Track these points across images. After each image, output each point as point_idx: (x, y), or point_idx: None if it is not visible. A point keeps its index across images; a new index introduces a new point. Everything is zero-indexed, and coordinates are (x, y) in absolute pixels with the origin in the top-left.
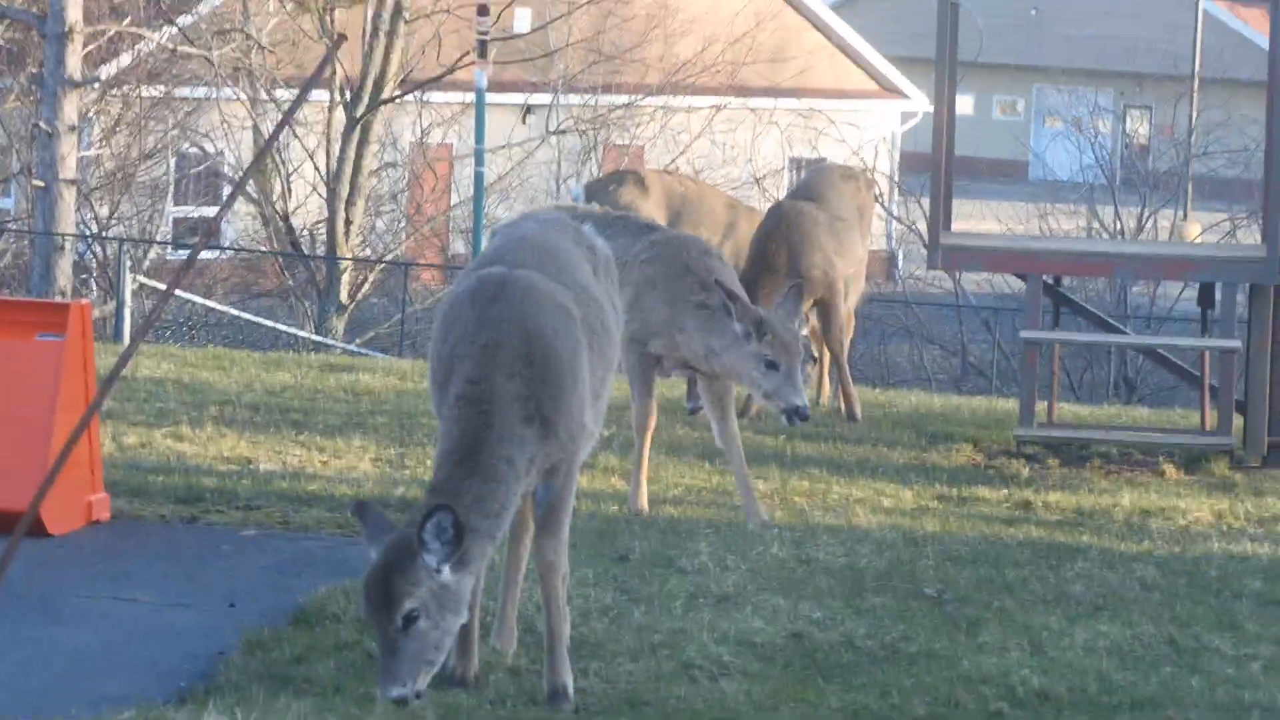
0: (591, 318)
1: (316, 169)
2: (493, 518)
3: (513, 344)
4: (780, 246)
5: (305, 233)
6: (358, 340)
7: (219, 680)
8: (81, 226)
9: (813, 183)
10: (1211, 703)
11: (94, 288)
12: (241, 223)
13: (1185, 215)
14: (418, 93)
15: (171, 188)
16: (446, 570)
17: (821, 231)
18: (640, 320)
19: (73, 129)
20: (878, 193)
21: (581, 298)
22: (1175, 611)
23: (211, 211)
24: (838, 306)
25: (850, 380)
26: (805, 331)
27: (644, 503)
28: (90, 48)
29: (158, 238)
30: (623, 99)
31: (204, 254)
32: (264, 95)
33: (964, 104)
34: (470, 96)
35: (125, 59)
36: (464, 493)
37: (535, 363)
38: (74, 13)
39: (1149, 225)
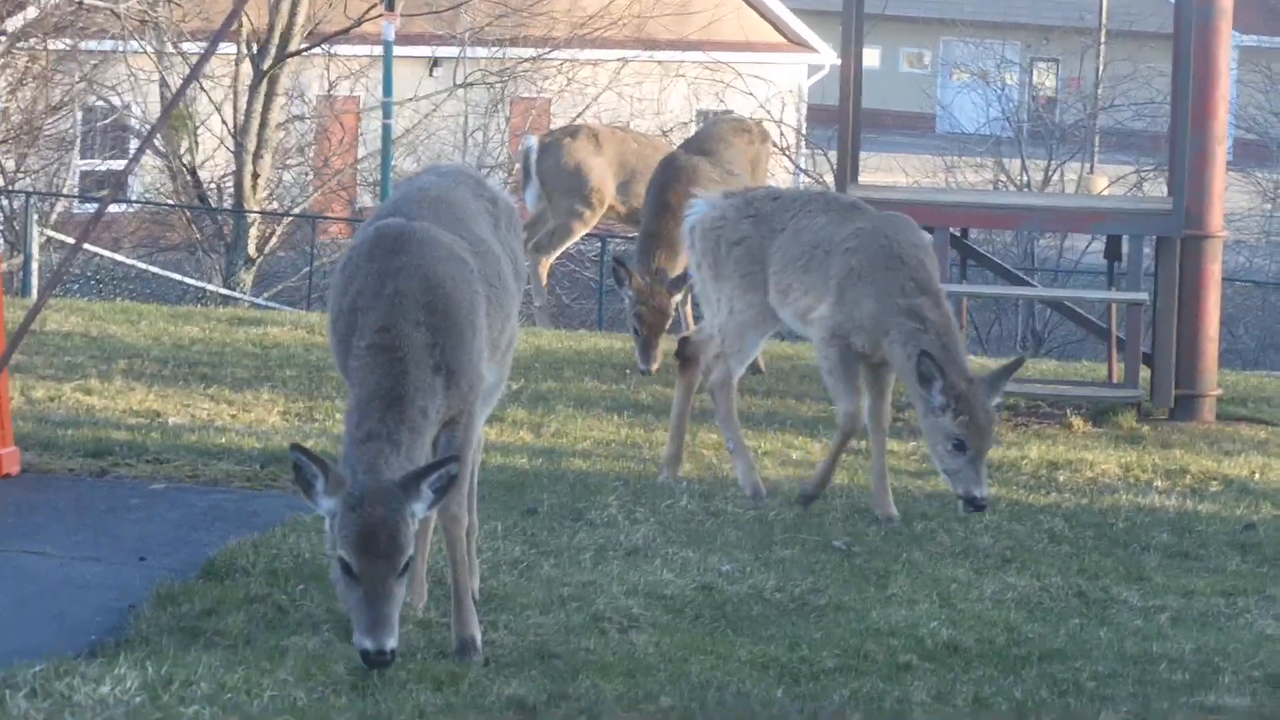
0: (489, 270)
1: (224, 122)
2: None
3: (415, 294)
4: (682, 198)
5: (213, 186)
6: (266, 294)
7: (129, 633)
8: None
9: (706, 136)
10: (1120, 654)
11: (1, 242)
12: (149, 176)
13: (1092, 168)
14: (325, 45)
15: (78, 141)
16: (419, 520)
17: (713, 187)
18: (844, 313)
19: None
20: (781, 145)
21: (480, 249)
22: (1083, 563)
23: (119, 165)
24: None
25: None
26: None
27: (817, 493)
28: None
29: (65, 191)
30: (530, 52)
31: (111, 208)
32: (171, 48)
33: (870, 57)
34: (377, 49)
35: (31, 11)
36: (400, 441)
37: (437, 312)
38: None
39: (1056, 178)
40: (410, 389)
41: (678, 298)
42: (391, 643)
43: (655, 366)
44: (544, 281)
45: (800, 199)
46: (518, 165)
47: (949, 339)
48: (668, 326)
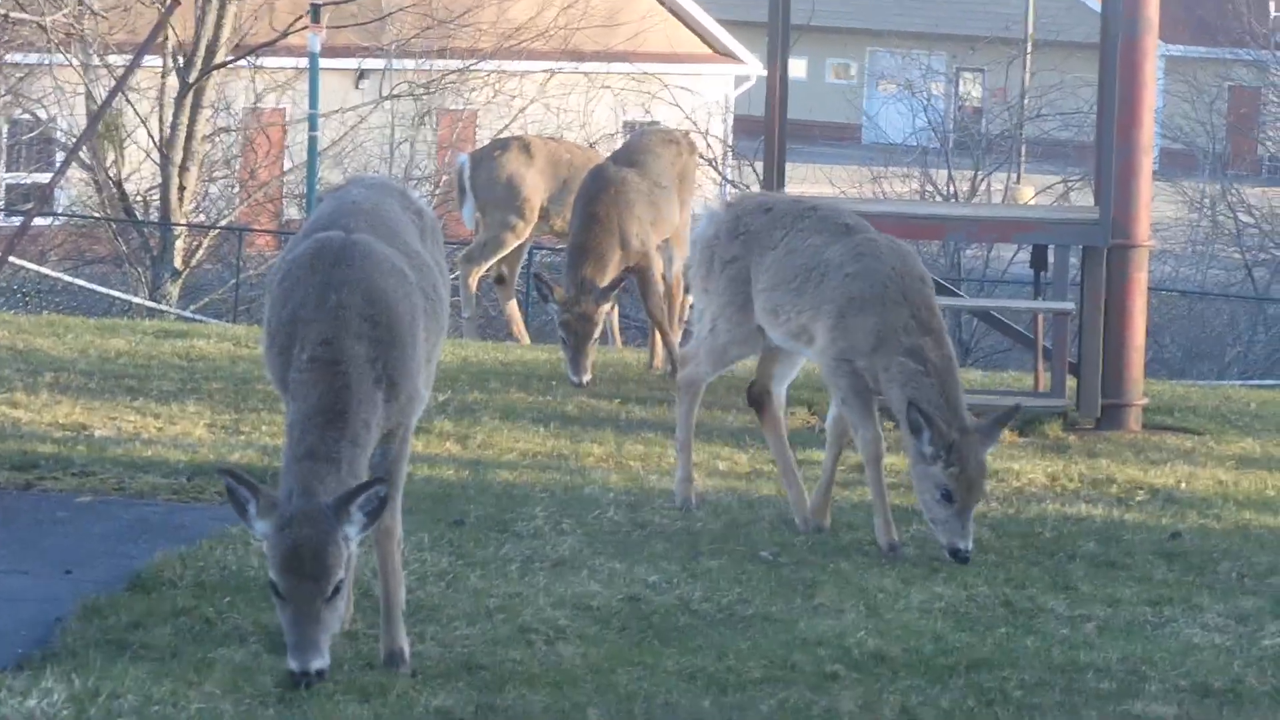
0: (425, 283)
1: (150, 135)
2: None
3: (359, 306)
4: (609, 209)
5: (139, 199)
6: (192, 306)
7: (56, 646)
8: None
9: (634, 147)
10: (1047, 663)
11: None
12: (75, 189)
13: (1018, 178)
14: (251, 57)
15: (3, 154)
16: (354, 542)
17: (641, 200)
18: (847, 340)
19: None
20: (708, 156)
21: (415, 262)
22: (1010, 573)
23: (44, 178)
24: (654, 274)
25: (675, 344)
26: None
27: (894, 535)
28: None
29: None
30: (456, 64)
31: (37, 221)
32: (97, 61)
33: (797, 67)
34: (303, 61)
35: None
36: (342, 458)
37: (380, 325)
38: None
39: (982, 188)
40: (353, 403)
41: (605, 308)
42: (317, 664)
43: (587, 379)
44: (472, 293)
45: (792, 213)
46: (445, 178)
47: (948, 382)
48: (596, 336)
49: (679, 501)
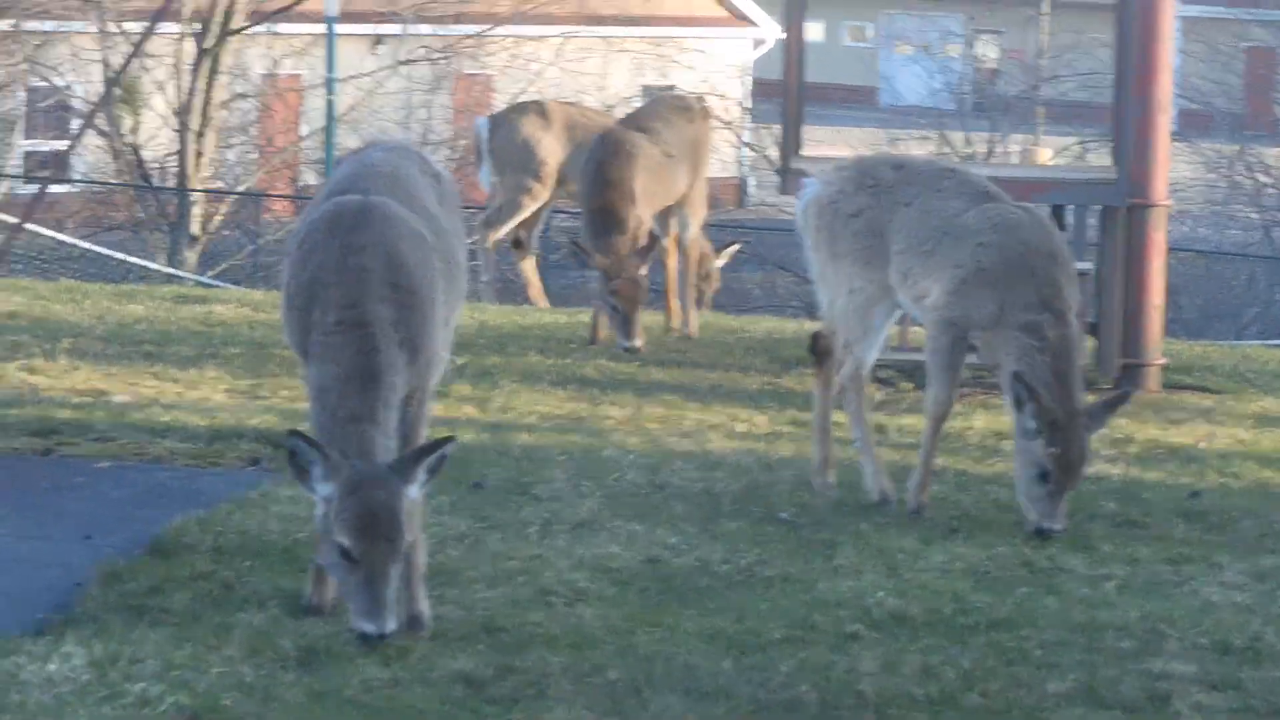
0: (444, 247)
1: (167, 102)
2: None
3: (380, 270)
4: (623, 172)
5: (156, 165)
6: (210, 272)
7: (76, 611)
8: None
9: (646, 113)
10: (1066, 622)
11: None
12: (92, 156)
13: (1036, 139)
14: (267, 23)
15: (22, 121)
16: (418, 502)
17: (647, 168)
18: (963, 308)
19: None
20: (725, 119)
21: (434, 226)
22: (1028, 532)
23: (62, 145)
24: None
25: (689, 304)
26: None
27: (925, 498)
28: None
29: (8, 171)
30: (473, 28)
31: (55, 188)
32: (113, 27)
33: (814, 30)
34: (320, 27)
35: None
36: (380, 420)
37: (401, 288)
38: None
39: (999, 150)
40: (383, 366)
41: (644, 269)
42: (392, 624)
43: (640, 343)
44: (491, 256)
45: (928, 173)
46: (462, 142)
47: (1064, 363)
48: (645, 300)
49: (876, 497)
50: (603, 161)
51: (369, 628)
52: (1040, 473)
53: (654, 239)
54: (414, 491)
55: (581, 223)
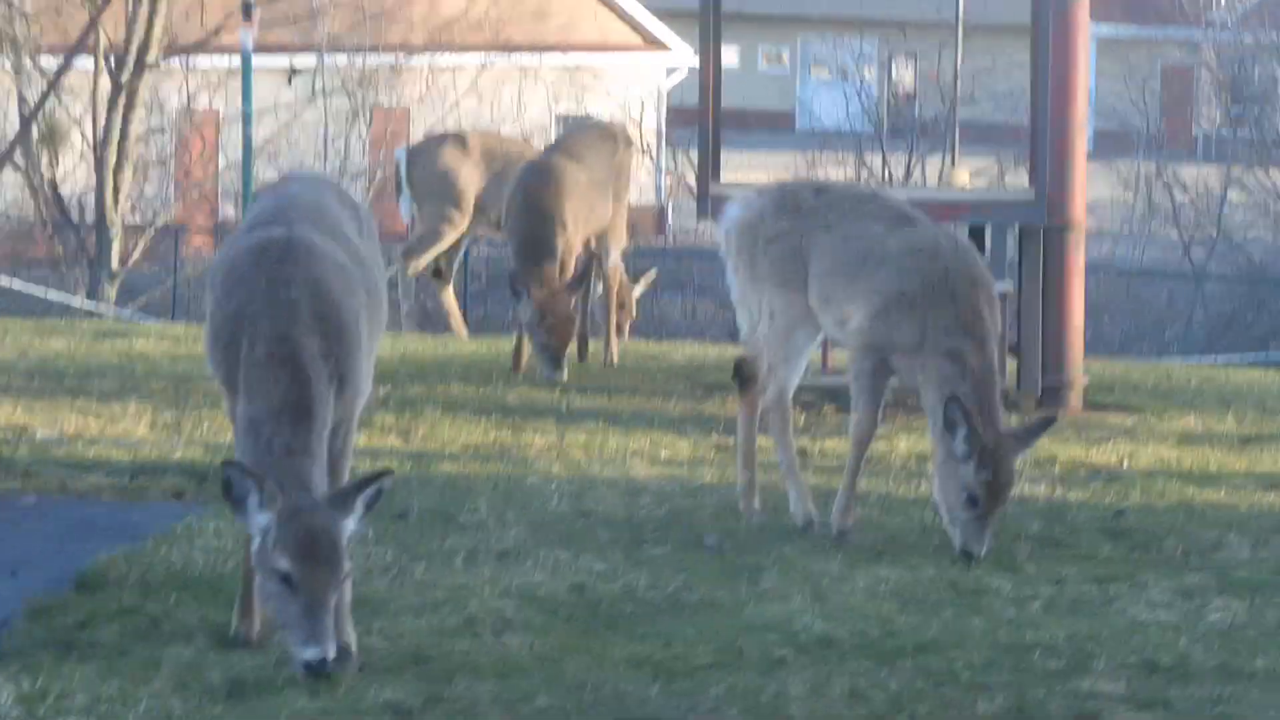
0: (365, 278)
1: (84, 136)
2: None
3: (308, 303)
4: (553, 202)
5: (74, 200)
6: (130, 306)
7: (3, 647)
8: None
9: (571, 141)
10: (994, 643)
11: None
12: (10, 193)
13: (953, 161)
14: (183, 57)
15: None
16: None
17: (578, 196)
18: (885, 332)
19: None
20: (642, 146)
21: (356, 258)
22: (955, 554)
23: None
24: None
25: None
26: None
27: (849, 521)
28: None
29: None
30: (388, 59)
31: None
32: (28, 64)
33: (729, 55)
34: (236, 60)
35: None
36: (315, 453)
37: (329, 321)
38: None
39: (917, 172)
40: (315, 399)
41: (575, 300)
42: (333, 650)
43: (564, 375)
44: (411, 286)
45: (849, 198)
46: (379, 173)
47: (985, 389)
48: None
49: (800, 521)
50: (531, 190)
51: (312, 654)
52: (969, 497)
53: (587, 267)
54: (351, 524)
55: (510, 252)
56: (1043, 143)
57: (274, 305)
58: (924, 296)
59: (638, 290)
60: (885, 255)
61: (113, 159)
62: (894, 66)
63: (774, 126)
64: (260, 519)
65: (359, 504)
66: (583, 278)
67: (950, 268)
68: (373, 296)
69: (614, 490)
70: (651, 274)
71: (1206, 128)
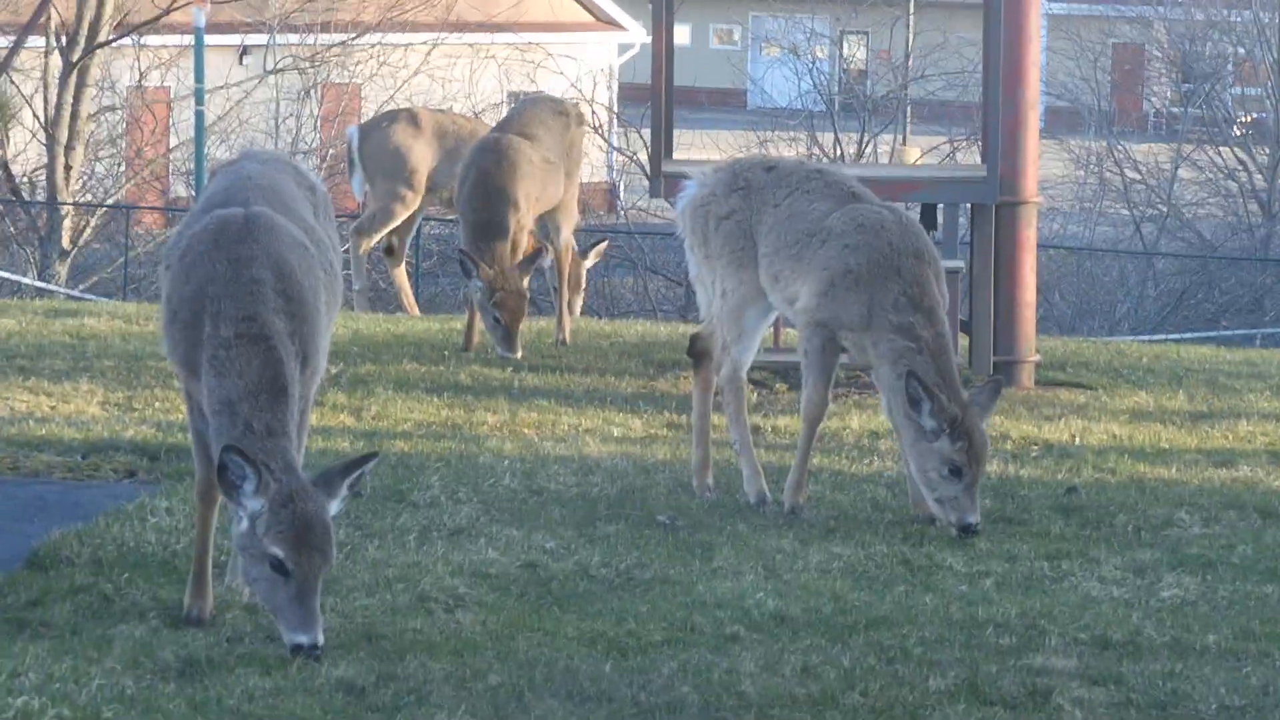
0: (324, 257)
1: (35, 115)
2: None
3: (271, 281)
4: (506, 181)
5: (25, 180)
6: (81, 286)
7: None
8: None
9: (523, 117)
10: (946, 620)
11: None
12: None
13: (905, 139)
14: (134, 35)
15: None
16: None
17: (532, 173)
18: (832, 310)
19: None
20: (594, 124)
21: (313, 237)
22: (907, 531)
23: None
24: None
25: (564, 310)
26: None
27: (801, 499)
28: None
29: None
30: (339, 37)
31: None
32: None
33: (681, 33)
34: (187, 39)
35: None
36: (292, 433)
37: (292, 299)
38: None
39: (869, 150)
40: (287, 378)
41: (528, 279)
42: (322, 636)
43: (519, 354)
44: (364, 264)
45: (798, 174)
46: (331, 151)
47: (942, 360)
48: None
49: (753, 499)
50: (484, 168)
51: (303, 639)
52: (952, 469)
53: (539, 247)
54: (335, 506)
55: (461, 230)
56: (995, 121)
57: (237, 285)
58: (869, 273)
59: (589, 262)
60: (829, 233)
61: (64, 137)
62: (846, 44)
63: (726, 104)
64: (253, 504)
65: (344, 487)
66: (534, 258)
67: (894, 243)
68: (329, 275)
69: (566, 468)
70: (602, 245)
71: (1158, 105)
